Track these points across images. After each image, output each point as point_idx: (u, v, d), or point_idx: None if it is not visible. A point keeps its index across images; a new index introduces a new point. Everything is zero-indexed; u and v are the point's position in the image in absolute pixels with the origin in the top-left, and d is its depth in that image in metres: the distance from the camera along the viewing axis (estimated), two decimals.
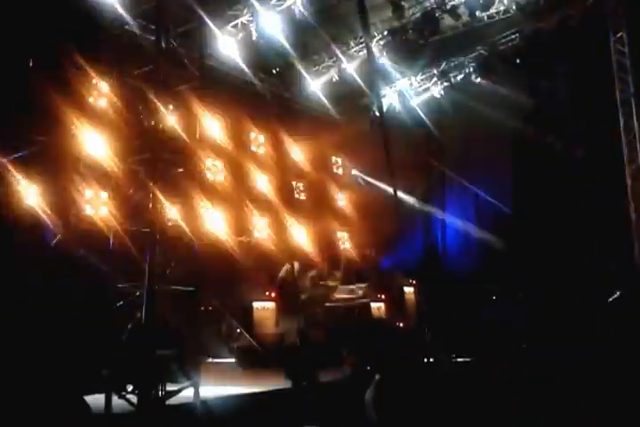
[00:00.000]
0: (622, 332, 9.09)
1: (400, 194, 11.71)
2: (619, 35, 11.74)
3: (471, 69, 13.48)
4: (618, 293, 10.64)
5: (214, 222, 9.98)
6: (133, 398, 6.04)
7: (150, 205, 6.38)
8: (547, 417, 5.18)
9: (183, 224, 7.07)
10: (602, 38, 11.84)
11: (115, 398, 6.02)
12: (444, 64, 13.80)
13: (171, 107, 7.92)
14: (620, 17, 11.71)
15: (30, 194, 7.57)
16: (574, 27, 11.95)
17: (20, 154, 7.20)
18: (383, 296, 10.04)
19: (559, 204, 12.16)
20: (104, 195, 8.41)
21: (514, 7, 11.96)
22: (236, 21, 11.52)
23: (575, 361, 6.86)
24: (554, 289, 11.17)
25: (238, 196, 11.27)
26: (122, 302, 6.81)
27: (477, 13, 11.85)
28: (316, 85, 13.53)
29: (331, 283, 10.08)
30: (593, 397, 5.39)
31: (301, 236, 12.22)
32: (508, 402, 5.48)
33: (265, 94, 12.37)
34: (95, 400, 5.83)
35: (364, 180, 14.70)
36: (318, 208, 13.54)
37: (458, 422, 5.14)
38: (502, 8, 12.05)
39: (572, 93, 12.68)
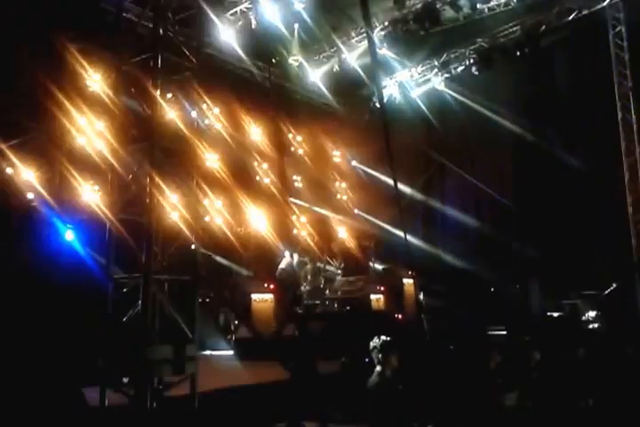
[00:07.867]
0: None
1: (400, 185, 11.60)
2: (617, 29, 11.70)
3: (471, 61, 13.39)
4: (614, 285, 10.73)
5: (213, 212, 9.90)
6: (130, 391, 5.98)
7: (147, 195, 6.28)
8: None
9: (181, 214, 6.97)
10: (601, 32, 11.78)
11: (112, 391, 5.96)
12: (444, 55, 13.71)
13: (169, 95, 7.79)
14: (619, 11, 11.65)
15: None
16: (574, 20, 11.91)
17: (17, 141, 7.08)
18: (382, 288, 9.99)
19: (559, 195, 12.13)
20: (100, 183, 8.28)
21: (514, 0, 11.88)
22: (235, 9, 11.39)
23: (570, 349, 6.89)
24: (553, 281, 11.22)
25: (237, 185, 11.18)
26: (119, 293, 6.70)
27: (478, 6, 11.79)
28: (316, 75, 13.42)
29: (330, 275, 10.01)
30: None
31: (301, 227, 12.16)
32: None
33: (264, 83, 12.22)
34: (91, 393, 5.78)
35: (363, 171, 14.62)
36: (318, 199, 13.48)
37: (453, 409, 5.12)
38: (503, 1, 11.97)
39: (571, 87, 12.64)
